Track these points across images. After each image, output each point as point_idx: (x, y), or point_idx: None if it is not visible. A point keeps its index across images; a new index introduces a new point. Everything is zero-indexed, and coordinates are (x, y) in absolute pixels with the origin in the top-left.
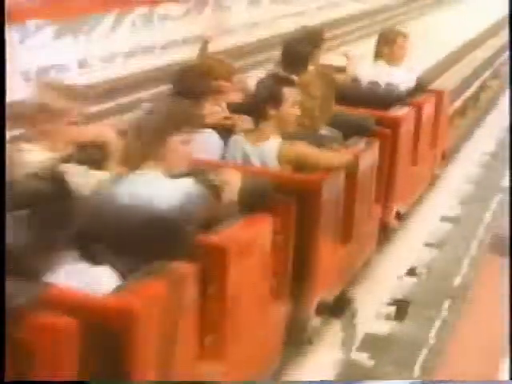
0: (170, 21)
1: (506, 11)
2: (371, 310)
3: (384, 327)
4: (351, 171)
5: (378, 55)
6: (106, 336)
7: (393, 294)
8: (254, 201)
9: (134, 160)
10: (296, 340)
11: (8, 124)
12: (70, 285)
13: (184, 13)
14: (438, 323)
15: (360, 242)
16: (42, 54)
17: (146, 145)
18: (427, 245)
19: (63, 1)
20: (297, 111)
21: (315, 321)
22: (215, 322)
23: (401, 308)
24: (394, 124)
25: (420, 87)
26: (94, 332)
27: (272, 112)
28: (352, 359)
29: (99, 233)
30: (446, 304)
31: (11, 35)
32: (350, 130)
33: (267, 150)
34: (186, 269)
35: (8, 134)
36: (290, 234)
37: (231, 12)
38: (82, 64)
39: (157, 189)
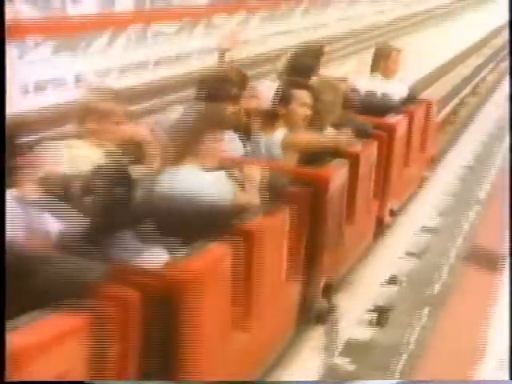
0: (162, 38)
1: (484, 33)
2: (353, 317)
3: (366, 333)
4: (353, 168)
5: (374, 69)
6: (162, 305)
7: (374, 301)
8: (273, 192)
9: (174, 156)
10: (305, 316)
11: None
12: (129, 261)
13: (176, 31)
14: (417, 329)
15: (360, 231)
16: (40, 68)
17: (185, 143)
18: (408, 254)
19: (61, 19)
20: (305, 111)
21: (321, 301)
22: (243, 298)
23: (382, 314)
24: (390, 129)
25: (411, 98)
26: (152, 302)
27: (282, 110)
28: (334, 363)
29: (151, 217)
30: (426, 311)
31: (11, 51)
32: (352, 133)
33: (274, 140)
34: (223, 249)
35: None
36: (304, 221)
37: (222, 31)
38: (78, 79)
39: (195, 180)
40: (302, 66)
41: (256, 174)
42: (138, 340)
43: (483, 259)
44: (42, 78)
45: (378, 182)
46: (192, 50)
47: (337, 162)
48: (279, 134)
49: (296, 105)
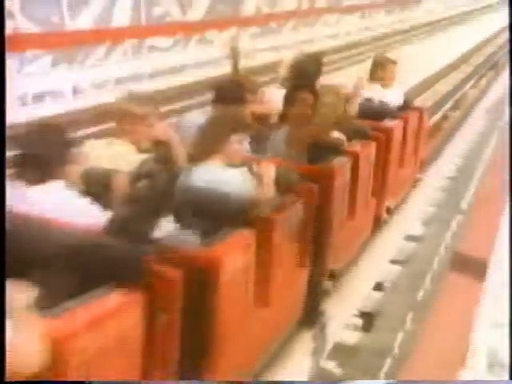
0: (157, 52)
1: (465, 50)
2: (341, 322)
3: (352, 337)
4: (354, 166)
5: (372, 78)
6: (199, 281)
7: (361, 306)
8: (285, 186)
9: (201, 154)
10: (313, 297)
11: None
12: (168, 243)
13: (171, 45)
14: (401, 334)
15: (360, 226)
16: (39, 80)
17: (211, 143)
18: (393, 262)
19: (60, 33)
20: (307, 110)
21: (327, 283)
22: (263, 279)
23: (368, 319)
24: (387, 132)
25: (406, 104)
26: (191, 278)
27: (287, 111)
28: (321, 367)
29: (187, 204)
30: (410, 316)
31: (10, 63)
32: (352, 134)
33: (278, 137)
34: (247, 235)
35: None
36: (312, 211)
37: (213, 45)
38: (75, 90)
39: (221, 175)
40: (304, 73)
41: (271, 170)
42: (179, 314)
43: (465, 267)
44: (41, 90)
45: (376, 181)
46: (185, 64)
47: (339, 161)
48: (283, 131)
49: (299, 105)
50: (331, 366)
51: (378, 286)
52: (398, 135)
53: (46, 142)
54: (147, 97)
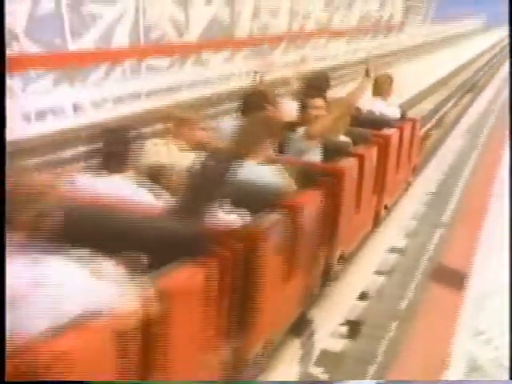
0: (155, 71)
1: (447, 72)
2: (327, 330)
3: (338, 345)
4: (360, 166)
5: (374, 93)
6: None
7: (347, 315)
8: (306, 181)
9: (237, 153)
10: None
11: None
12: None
13: (168, 65)
14: (385, 342)
15: (363, 219)
16: (42, 98)
17: (248, 145)
18: (377, 272)
19: (62, 53)
20: (320, 112)
21: (336, 267)
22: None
23: (353, 328)
24: (386, 139)
25: (402, 116)
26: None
27: (301, 115)
28: (309, 373)
29: (234, 192)
30: (394, 325)
31: (14, 82)
32: (356, 138)
33: (297, 136)
34: (277, 218)
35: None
36: (332, 201)
37: (209, 66)
38: (76, 108)
39: (257, 170)
40: (316, 84)
41: (292, 168)
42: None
43: (446, 277)
44: (43, 107)
45: (377, 181)
46: (182, 83)
47: (348, 161)
48: (300, 130)
49: (312, 109)
50: (318, 371)
51: (364, 296)
52: (395, 142)
53: (116, 140)
54: (189, 104)
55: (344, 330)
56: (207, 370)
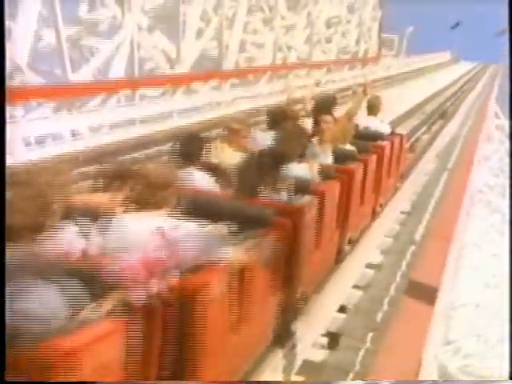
0: (148, 100)
1: (420, 100)
2: (309, 341)
3: (319, 355)
4: (364, 166)
5: (368, 112)
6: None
7: (327, 327)
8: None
9: (283, 153)
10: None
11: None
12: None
13: (160, 94)
14: (362, 352)
15: (365, 210)
16: (41, 125)
17: (287, 146)
18: (355, 287)
19: (63, 85)
20: (330, 126)
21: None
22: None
23: (333, 339)
24: (381, 149)
25: (392, 132)
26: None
27: (315, 128)
28: (291, 381)
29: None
30: (370, 336)
31: (17, 110)
32: (359, 148)
33: (313, 144)
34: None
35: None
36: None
37: (198, 95)
38: (73, 133)
39: (297, 168)
40: (324, 104)
41: (316, 166)
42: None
43: (418, 292)
44: (43, 133)
45: (376, 182)
46: (173, 111)
47: (356, 165)
48: (315, 139)
49: (323, 123)
50: (300, 380)
51: (342, 309)
52: (387, 151)
53: (192, 141)
54: (242, 118)
55: (324, 340)
56: None
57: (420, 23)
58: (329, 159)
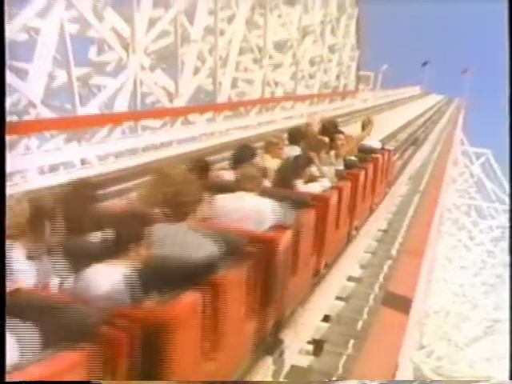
0: (149, 131)
1: (393, 129)
2: (295, 348)
3: (305, 360)
4: (364, 173)
5: (361, 130)
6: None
7: (312, 335)
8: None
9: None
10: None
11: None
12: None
13: (160, 125)
14: (344, 357)
15: (365, 205)
16: (54, 154)
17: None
18: (338, 298)
19: (72, 118)
20: (343, 142)
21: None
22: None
23: (318, 346)
24: (376, 160)
25: (382, 147)
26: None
27: (331, 143)
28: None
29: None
30: (351, 343)
31: (32, 141)
32: (361, 159)
33: (330, 155)
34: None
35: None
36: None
37: (195, 126)
38: (83, 162)
39: (313, 186)
40: (333, 125)
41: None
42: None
43: (394, 302)
44: (55, 162)
45: (372, 184)
46: (172, 140)
47: (357, 170)
48: (332, 152)
49: (338, 140)
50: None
51: (326, 318)
52: (381, 162)
53: (245, 149)
54: (279, 134)
55: (310, 347)
56: None
57: (393, 62)
58: (341, 166)
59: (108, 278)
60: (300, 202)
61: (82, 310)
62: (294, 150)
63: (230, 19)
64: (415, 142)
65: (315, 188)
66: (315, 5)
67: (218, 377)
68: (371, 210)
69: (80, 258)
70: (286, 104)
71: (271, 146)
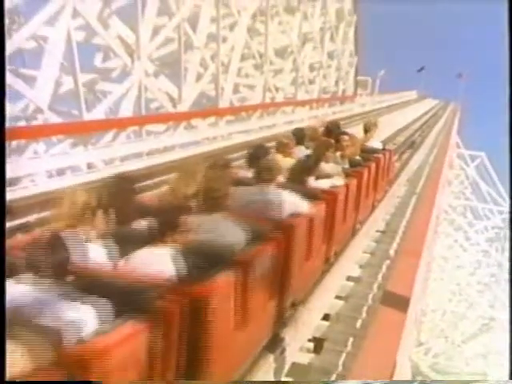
0: (153, 135)
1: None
2: (297, 346)
3: (305, 358)
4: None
5: (364, 132)
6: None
7: (313, 333)
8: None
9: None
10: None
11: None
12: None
13: (164, 130)
14: (344, 355)
15: (368, 201)
16: (61, 158)
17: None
18: (337, 297)
19: (79, 123)
20: (348, 143)
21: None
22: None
23: (318, 344)
24: (378, 159)
25: (383, 148)
26: None
27: (337, 144)
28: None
29: None
30: (350, 340)
31: (39, 146)
32: (364, 158)
33: (336, 155)
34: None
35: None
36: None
37: (198, 130)
38: (89, 166)
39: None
40: (338, 127)
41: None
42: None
43: (392, 301)
44: (63, 166)
45: (374, 181)
46: (175, 144)
47: (361, 169)
48: (338, 153)
49: (343, 141)
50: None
51: (326, 317)
52: (382, 162)
53: (260, 149)
54: (290, 135)
55: (310, 345)
56: None
57: (390, 67)
58: (347, 165)
59: (157, 259)
60: (312, 196)
61: (140, 286)
62: (301, 150)
63: (232, 27)
64: (412, 146)
65: (325, 184)
66: (315, 12)
67: (247, 347)
68: (373, 207)
69: (130, 243)
70: (286, 109)
71: (282, 147)
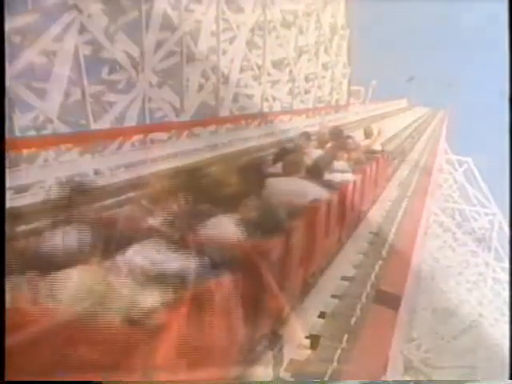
0: (157, 143)
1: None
2: (294, 342)
3: (303, 354)
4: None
5: (365, 137)
6: None
7: (309, 330)
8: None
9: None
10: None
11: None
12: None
13: (167, 138)
14: (339, 351)
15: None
16: (70, 166)
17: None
18: (333, 296)
19: (86, 132)
20: (353, 147)
21: None
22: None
23: (314, 340)
24: (378, 159)
25: (382, 149)
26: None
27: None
28: (280, 377)
29: None
30: (345, 337)
31: (49, 154)
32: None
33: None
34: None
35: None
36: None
37: (199, 138)
38: (96, 172)
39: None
40: (335, 134)
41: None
42: None
43: (385, 299)
44: (71, 173)
45: (375, 178)
46: (178, 152)
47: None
48: (345, 155)
49: (348, 145)
50: (287, 376)
51: (322, 315)
52: (381, 161)
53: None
54: (303, 138)
55: (307, 342)
56: None
57: (381, 77)
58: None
59: (228, 225)
60: (328, 186)
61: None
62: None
63: (232, 40)
64: (402, 151)
65: (337, 178)
66: (310, 27)
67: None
68: (373, 202)
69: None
70: (283, 117)
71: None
